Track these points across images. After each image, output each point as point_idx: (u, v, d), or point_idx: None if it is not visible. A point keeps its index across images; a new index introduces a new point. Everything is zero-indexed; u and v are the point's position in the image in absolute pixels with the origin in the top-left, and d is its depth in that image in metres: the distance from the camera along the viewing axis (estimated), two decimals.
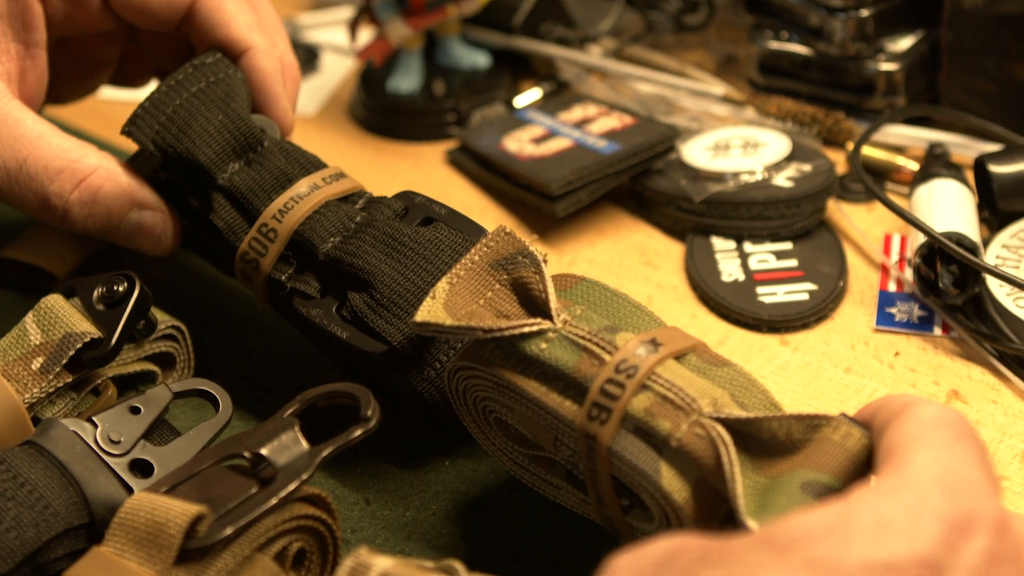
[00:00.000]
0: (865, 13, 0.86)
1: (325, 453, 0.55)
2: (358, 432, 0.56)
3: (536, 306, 0.57)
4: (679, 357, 0.55)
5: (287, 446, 0.56)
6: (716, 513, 0.53)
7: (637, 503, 0.55)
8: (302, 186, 0.68)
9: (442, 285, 0.57)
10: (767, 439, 0.52)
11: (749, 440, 0.52)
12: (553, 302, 0.56)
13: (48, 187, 0.68)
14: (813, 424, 0.51)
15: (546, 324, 0.56)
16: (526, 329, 0.55)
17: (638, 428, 0.53)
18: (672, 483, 0.52)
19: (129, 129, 0.70)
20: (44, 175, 0.68)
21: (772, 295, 0.75)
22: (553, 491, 0.60)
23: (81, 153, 0.69)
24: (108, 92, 0.83)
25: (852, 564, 0.43)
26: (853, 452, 0.51)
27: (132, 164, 0.72)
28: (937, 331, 0.72)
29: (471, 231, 0.65)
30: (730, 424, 0.52)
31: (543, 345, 0.55)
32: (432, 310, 0.56)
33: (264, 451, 0.56)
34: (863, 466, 0.51)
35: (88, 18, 0.74)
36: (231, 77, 0.72)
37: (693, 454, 0.52)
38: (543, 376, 0.55)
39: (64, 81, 0.78)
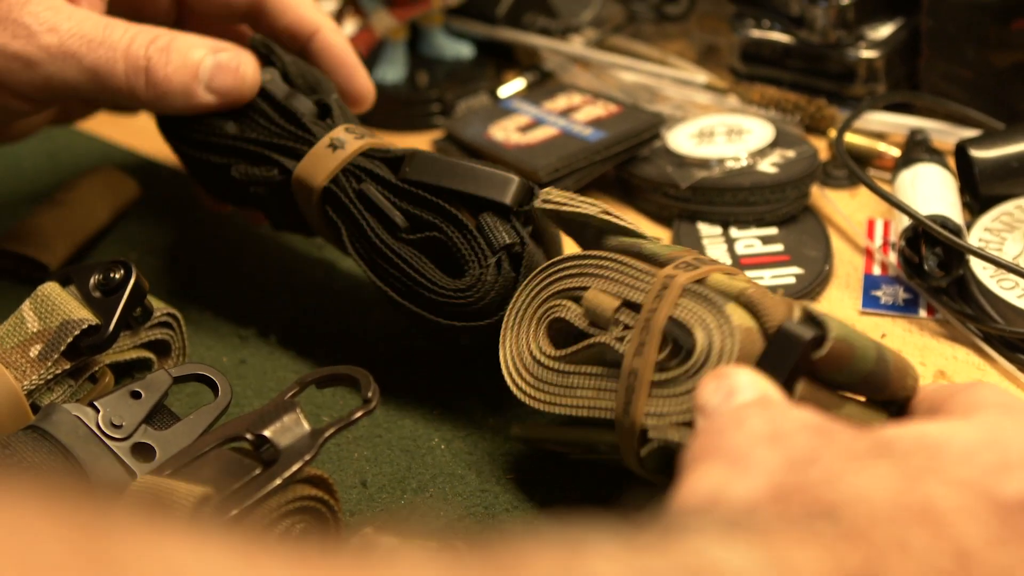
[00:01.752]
0: (846, 1, 0.87)
1: (328, 434, 0.56)
2: (359, 413, 0.57)
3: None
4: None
5: (289, 427, 0.57)
6: None
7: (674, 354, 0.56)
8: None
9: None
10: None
11: None
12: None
13: (131, 44, 0.69)
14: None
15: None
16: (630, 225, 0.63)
17: (711, 288, 0.56)
18: (735, 311, 0.54)
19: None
20: (125, 37, 0.70)
21: (759, 279, 0.76)
22: (569, 398, 0.60)
23: (150, 25, 0.71)
24: None
25: (1015, 496, 0.43)
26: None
27: None
28: (922, 313, 0.74)
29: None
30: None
31: (640, 238, 0.62)
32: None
33: (267, 433, 0.56)
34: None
35: None
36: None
37: (761, 304, 0.55)
38: (638, 255, 0.60)
39: None
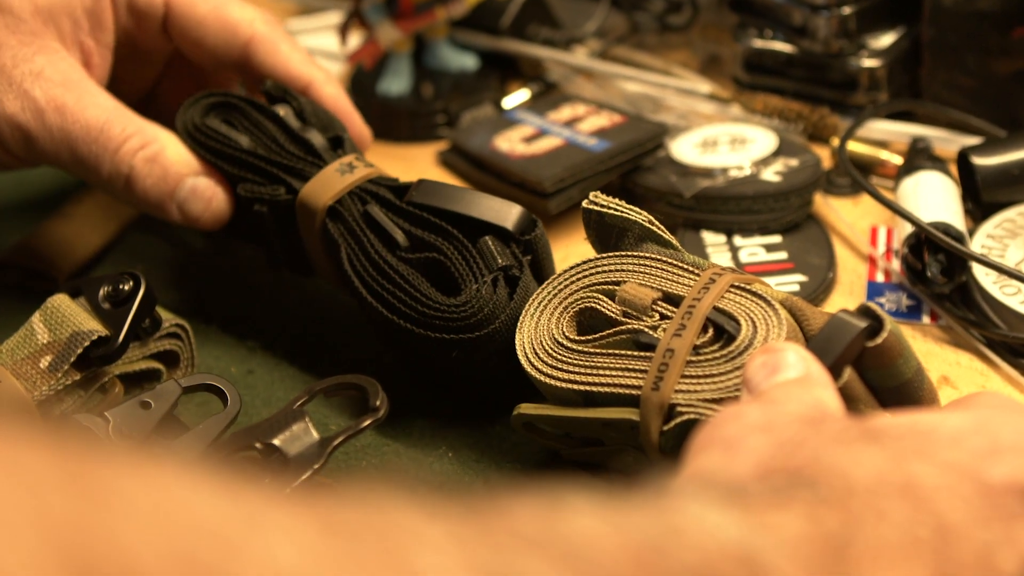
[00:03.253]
0: (848, 11, 0.88)
1: (336, 443, 0.57)
2: (367, 422, 0.57)
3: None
4: None
5: (298, 436, 0.57)
6: None
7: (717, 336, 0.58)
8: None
9: None
10: None
11: None
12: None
13: (122, 146, 0.72)
14: None
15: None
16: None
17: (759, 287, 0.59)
18: (782, 310, 0.57)
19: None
20: (120, 136, 0.72)
21: None
22: (592, 376, 0.60)
23: (150, 125, 0.73)
24: None
25: (1003, 480, 0.44)
26: None
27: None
28: (925, 319, 0.74)
29: None
30: None
31: (680, 251, 0.63)
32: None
33: (276, 442, 0.57)
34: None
35: (145, 38, 0.78)
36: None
37: (805, 310, 0.57)
38: (681, 261, 0.62)
39: None
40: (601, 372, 0.59)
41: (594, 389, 0.59)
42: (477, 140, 0.88)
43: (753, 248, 0.79)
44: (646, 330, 0.59)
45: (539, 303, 0.63)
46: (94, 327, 0.65)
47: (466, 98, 0.95)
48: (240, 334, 0.76)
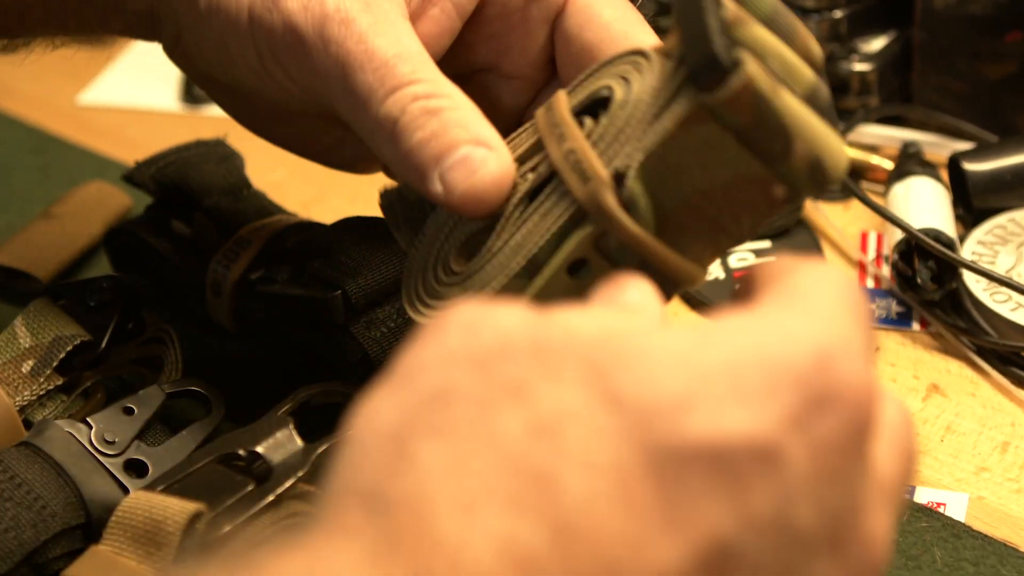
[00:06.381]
0: (838, 14, 0.87)
1: (320, 450, 0.56)
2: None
3: None
4: None
5: (282, 443, 0.57)
6: None
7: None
8: (281, 216, 0.72)
9: None
10: None
11: None
12: None
13: (403, 87, 0.56)
14: None
15: None
16: None
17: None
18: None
19: (130, 172, 0.75)
20: (406, 76, 0.55)
21: None
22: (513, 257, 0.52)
23: (450, 84, 0.56)
24: (89, 97, 0.84)
25: (685, 444, 0.36)
26: None
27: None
28: (915, 326, 0.74)
29: None
30: None
31: None
32: None
33: (259, 449, 0.56)
34: None
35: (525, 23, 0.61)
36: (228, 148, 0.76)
37: None
38: None
39: None
40: (527, 238, 0.51)
41: (531, 253, 0.51)
42: None
43: (743, 253, 0.79)
44: (521, 187, 0.52)
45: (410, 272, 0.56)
46: (77, 331, 0.65)
47: None
48: (222, 342, 0.75)
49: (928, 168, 0.80)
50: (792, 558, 0.37)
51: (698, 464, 0.36)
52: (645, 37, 0.58)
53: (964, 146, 0.83)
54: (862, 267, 0.78)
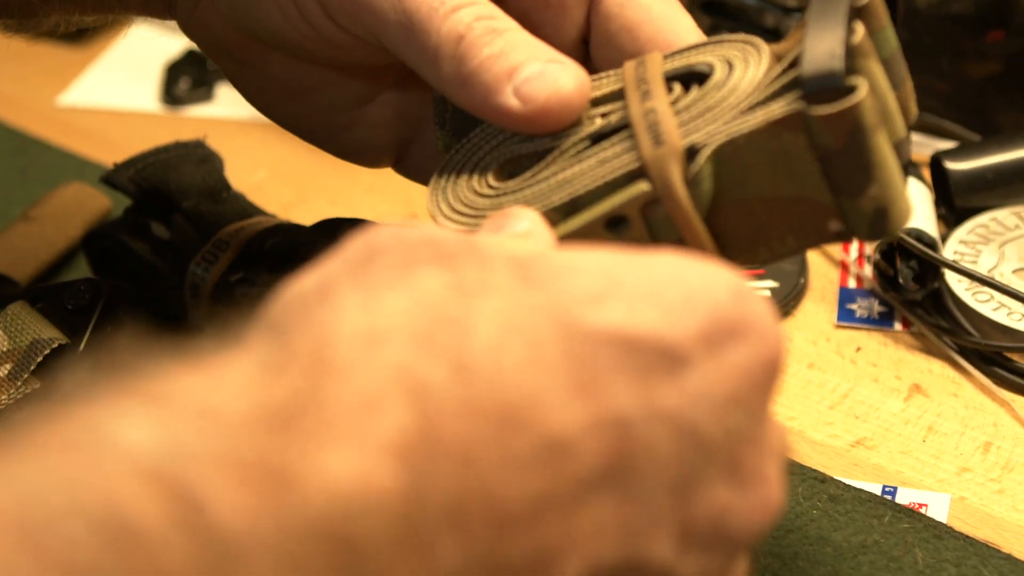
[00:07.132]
0: None
1: None
2: None
3: None
4: None
5: None
6: None
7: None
8: (261, 217, 0.71)
9: None
10: None
11: None
12: None
13: (462, 8, 0.54)
14: None
15: None
16: None
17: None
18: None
19: (109, 174, 0.74)
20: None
21: None
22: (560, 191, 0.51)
23: (507, 16, 0.55)
24: (69, 98, 0.83)
25: (597, 327, 0.38)
26: None
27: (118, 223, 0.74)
28: (897, 326, 0.73)
29: None
30: None
31: None
32: None
33: None
34: None
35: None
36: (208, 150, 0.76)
37: None
38: None
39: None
40: (577, 177, 0.50)
41: (577, 193, 0.49)
42: None
43: None
44: (590, 130, 0.51)
45: (442, 183, 0.53)
46: (55, 335, 0.64)
47: None
48: None
49: (910, 167, 0.80)
50: (693, 462, 0.39)
51: (609, 348, 0.38)
52: (684, 20, 0.57)
53: (946, 145, 0.83)
54: (844, 267, 0.78)
